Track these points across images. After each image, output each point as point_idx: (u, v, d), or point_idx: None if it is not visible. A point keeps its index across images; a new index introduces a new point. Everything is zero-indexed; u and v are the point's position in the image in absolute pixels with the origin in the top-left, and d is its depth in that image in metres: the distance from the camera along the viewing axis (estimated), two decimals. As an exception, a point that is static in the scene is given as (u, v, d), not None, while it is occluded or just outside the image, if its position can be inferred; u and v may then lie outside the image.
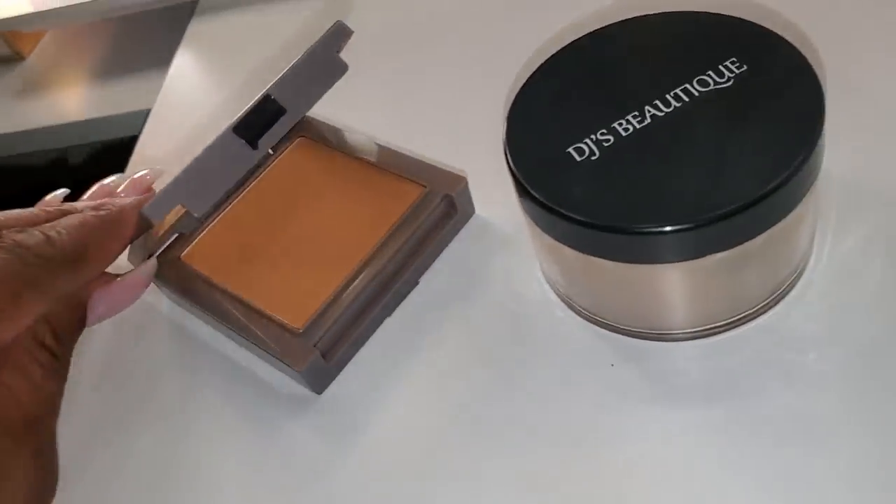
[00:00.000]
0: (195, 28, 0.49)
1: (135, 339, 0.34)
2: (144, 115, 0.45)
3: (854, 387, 0.25)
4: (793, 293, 0.27)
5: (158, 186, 0.31)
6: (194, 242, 0.33)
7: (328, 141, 0.35)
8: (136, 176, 0.33)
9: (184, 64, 0.47)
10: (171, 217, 0.33)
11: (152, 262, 0.31)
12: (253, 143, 0.31)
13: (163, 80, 0.46)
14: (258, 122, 0.31)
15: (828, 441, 0.24)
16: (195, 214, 0.30)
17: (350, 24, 0.32)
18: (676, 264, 0.24)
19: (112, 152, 0.46)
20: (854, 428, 0.24)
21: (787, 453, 0.24)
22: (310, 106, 0.33)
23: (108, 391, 0.32)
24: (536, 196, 0.24)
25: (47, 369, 0.25)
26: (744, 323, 0.27)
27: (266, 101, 0.31)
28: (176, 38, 0.48)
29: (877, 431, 0.24)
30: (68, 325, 0.26)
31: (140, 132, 0.44)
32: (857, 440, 0.24)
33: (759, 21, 0.27)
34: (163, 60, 0.48)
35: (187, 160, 0.30)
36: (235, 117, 0.31)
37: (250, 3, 0.49)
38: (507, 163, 0.25)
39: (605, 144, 0.25)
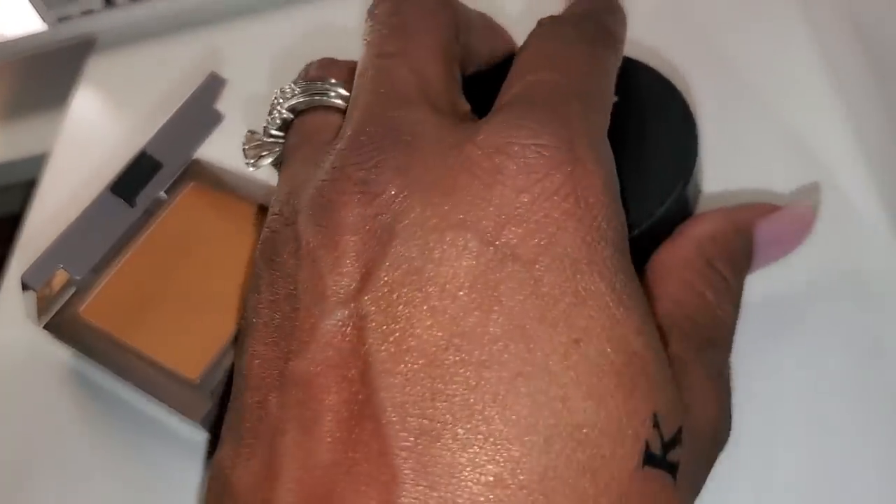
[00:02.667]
0: (93, 65, 0.49)
1: (38, 390, 0.34)
2: (43, 158, 0.44)
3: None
4: None
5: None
6: (93, 296, 0.33)
7: (220, 185, 0.35)
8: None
9: (83, 103, 0.47)
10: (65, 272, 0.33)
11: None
12: (131, 201, 0.32)
13: (61, 122, 0.46)
14: (135, 180, 0.32)
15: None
16: (76, 277, 0.31)
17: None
18: None
19: (10, 197, 0.46)
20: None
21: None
22: (187, 158, 0.34)
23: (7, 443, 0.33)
24: None
25: (719, 292, 0.22)
26: None
27: (142, 157, 0.32)
28: (73, 77, 0.48)
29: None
30: (741, 255, 0.24)
31: (39, 177, 0.43)
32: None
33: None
34: (60, 101, 0.47)
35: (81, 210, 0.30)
36: (112, 176, 0.31)
37: (150, 36, 0.48)
38: None
39: None
